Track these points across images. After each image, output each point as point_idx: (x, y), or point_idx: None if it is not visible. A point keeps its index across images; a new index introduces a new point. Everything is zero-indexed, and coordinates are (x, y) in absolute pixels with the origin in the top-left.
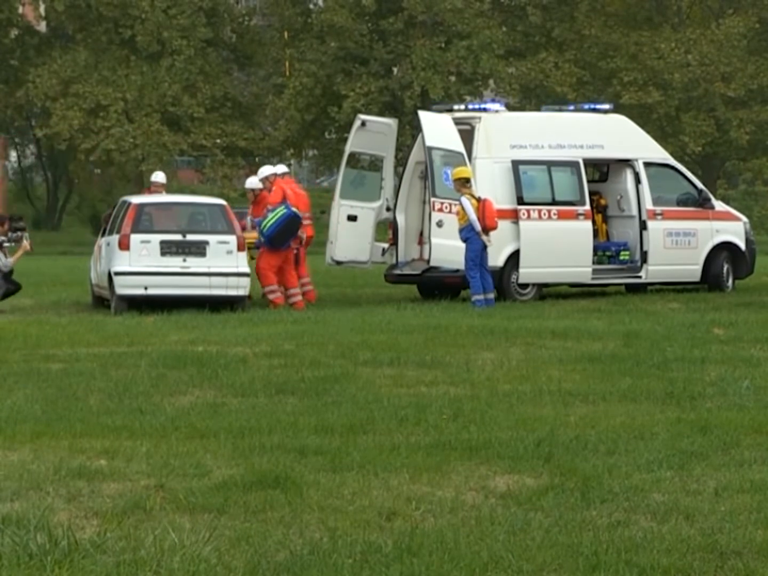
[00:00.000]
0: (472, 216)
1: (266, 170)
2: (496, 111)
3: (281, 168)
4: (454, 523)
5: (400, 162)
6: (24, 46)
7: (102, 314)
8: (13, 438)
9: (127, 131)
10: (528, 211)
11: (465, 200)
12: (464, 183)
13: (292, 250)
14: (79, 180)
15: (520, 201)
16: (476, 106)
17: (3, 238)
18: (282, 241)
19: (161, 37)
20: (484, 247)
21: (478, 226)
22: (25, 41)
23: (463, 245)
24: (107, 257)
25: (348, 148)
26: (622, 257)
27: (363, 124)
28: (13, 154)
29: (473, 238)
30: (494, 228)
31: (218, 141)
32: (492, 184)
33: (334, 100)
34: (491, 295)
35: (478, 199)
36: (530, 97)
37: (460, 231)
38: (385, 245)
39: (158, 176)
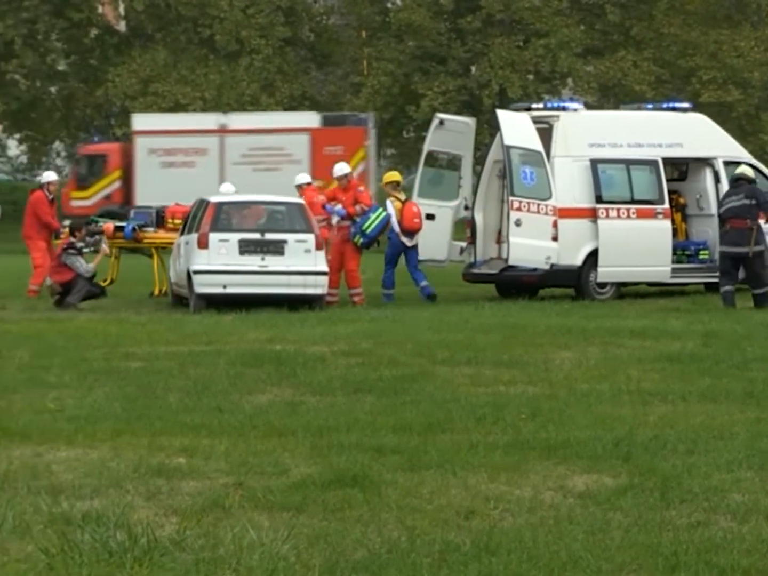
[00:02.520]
0: (392, 219)
1: (341, 168)
2: (575, 110)
3: (305, 177)
4: (533, 523)
5: (479, 161)
6: (103, 46)
7: (181, 313)
8: (93, 436)
9: None
10: (607, 209)
11: (389, 203)
12: (394, 186)
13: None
14: None
15: (599, 200)
16: (555, 105)
17: (81, 244)
18: (374, 242)
19: (240, 37)
20: (409, 247)
21: (396, 228)
22: (105, 41)
23: (542, 244)
24: (186, 256)
25: (426, 147)
26: (701, 256)
27: (441, 122)
28: None
29: (394, 238)
30: (414, 229)
31: None
32: (570, 182)
33: (412, 99)
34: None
35: (404, 202)
36: (609, 95)
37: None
38: (463, 244)
39: None
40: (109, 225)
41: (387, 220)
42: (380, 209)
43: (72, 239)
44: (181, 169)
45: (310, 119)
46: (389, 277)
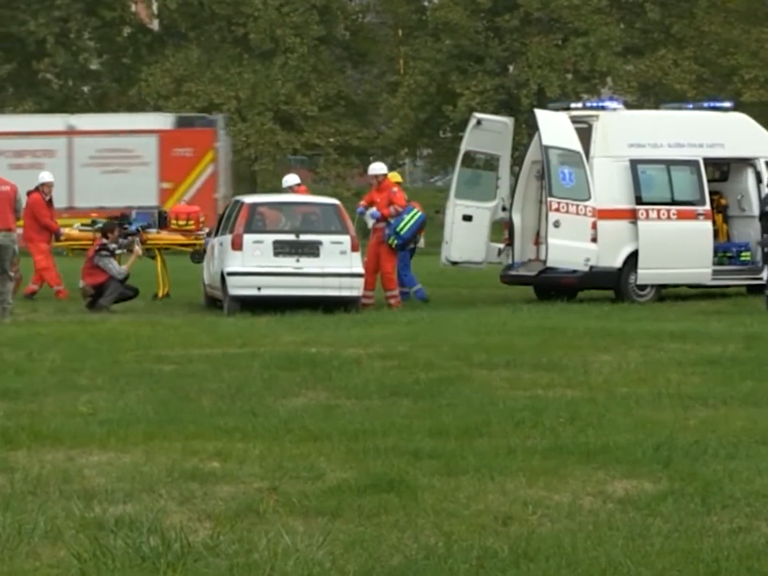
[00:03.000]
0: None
1: (378, 167)
2: (614, 109)
3: (294, 179)
4: (572, 528)
5: (516, 161)
6: (136, 45)
7: (214, 315)
8: (125, 439)
9: (239, 130)
10: (647, 211)
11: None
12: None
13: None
14: None
15: (639, 201)
16: (594, 104)
17: (114, 245)
18: (410, 243)
19: (274, 35)
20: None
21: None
22: (138, 39)
23: (581, 245)
24: (220, 257)
25: (463, 147)
26: (742, 258)
27: (478, 122)
28: None
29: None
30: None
31: (331, 140)
32: (610, 183)
33: (449, 98)
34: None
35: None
36: (649, 95)
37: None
38: (501, 245)
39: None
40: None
41: (422, 221)
42: (414, 210)
43: (104, 241)
44: (29, 171)
45: (160, 121)
46: (407, 275)
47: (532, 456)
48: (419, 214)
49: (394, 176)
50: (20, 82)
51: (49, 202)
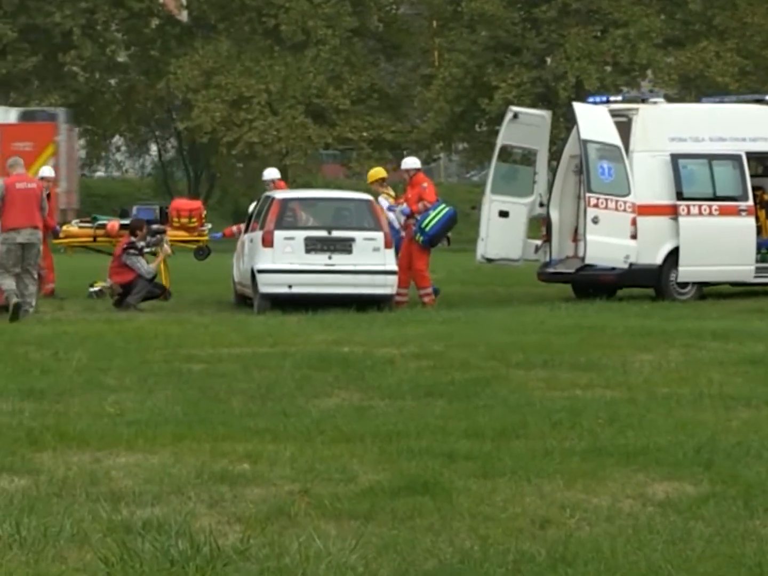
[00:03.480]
0: (391, 216)
1: (410, 162)
2: (655, 102)
3: (273, 173)
4: (611, 532)
5: (554, 156)
6: (165, 37)
7: (245, 313)
8: (153, 440)
9: (270, 124)
10: (688, 206)
11: (382, 200)
12: (381, 183)
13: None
14: (221, 174)
15: (680, 196)
16: (633, 97)
17: (142, 243)
18: (440, 239)
19: (306, 27)
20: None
21: (396, 224)
22: (166, 31)
23: (620, 242)
24: (250, 254)
25: (499, 141)
26: None
27: (515, 116)
28: (154, 147)
29: (395, 235)
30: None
31: (364, 134)
32: (650, 178)
33: (485, 91)
34: None
35: (396, 197)
36: (690, 87)
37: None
38: (538, 242)
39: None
40: (114, 223)
41: (449, 216)
42: (442, 206)
43: (132, 239)
44: None
45: (2, 115)
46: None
47: (570, 458)
48: (447, 209)
49: (379, 172)
50: (46, 75)
51: (48, 198)
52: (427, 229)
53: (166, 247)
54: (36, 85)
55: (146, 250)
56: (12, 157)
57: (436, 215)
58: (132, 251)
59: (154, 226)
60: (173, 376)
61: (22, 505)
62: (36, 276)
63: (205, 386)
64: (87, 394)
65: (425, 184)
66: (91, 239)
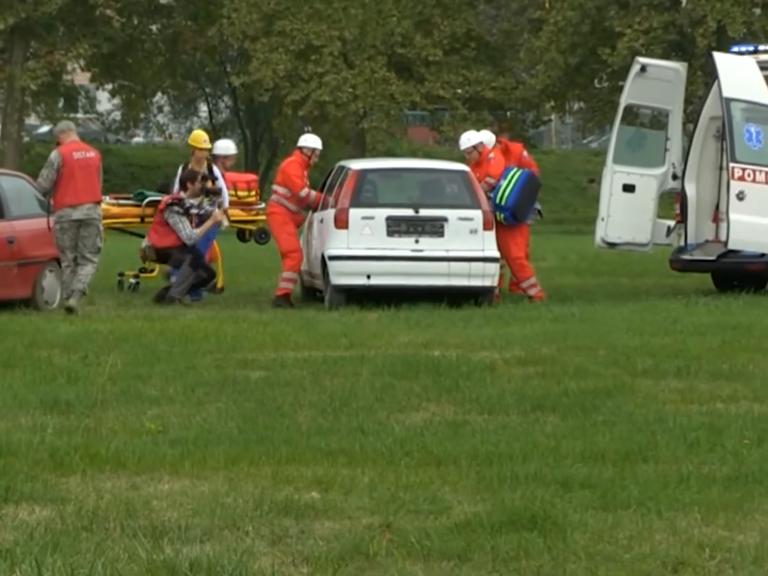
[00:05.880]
0: None
1: (466, 140)
2: None
3: (227, 146)
4: None
5: (690, 117)
6: None
7: (313, 309)
8: (203, 463)
9: (345, 79)
10: None
11: None
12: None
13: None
14: (285, 140)
15: None
16: None
17: (192, 201)
18: (526, 211)
19: None
20: None
21: None
22: None
23: None
24: (320, 238)
25: (624, 101)
26: None
27: (643, 69)
28: (203, 108)
29: None
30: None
31: (459, 91)
32: None
33: (606, 39)
34: None
35: None
36: None
37: None
38: (671, 223)
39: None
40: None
41: (525, 179)
42: (512, 170)
43: (182, 194)
44: None
45: None
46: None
47: (710, 486)
48: (519, 172)
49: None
50: (74, 20)
51: None
52: (503, 202)
53: (218, 211)
54: (62, 32)
55: (194, 211)
56: (63, 120)
57: (508, 184)
58: (176, 208)
59: (212, 185)
60: (227, 386)
61: (44, 540)
62: (95, 260)
63: (265, 398)
64: (122, 407)
65: (491, 155)
66: (138, 220)
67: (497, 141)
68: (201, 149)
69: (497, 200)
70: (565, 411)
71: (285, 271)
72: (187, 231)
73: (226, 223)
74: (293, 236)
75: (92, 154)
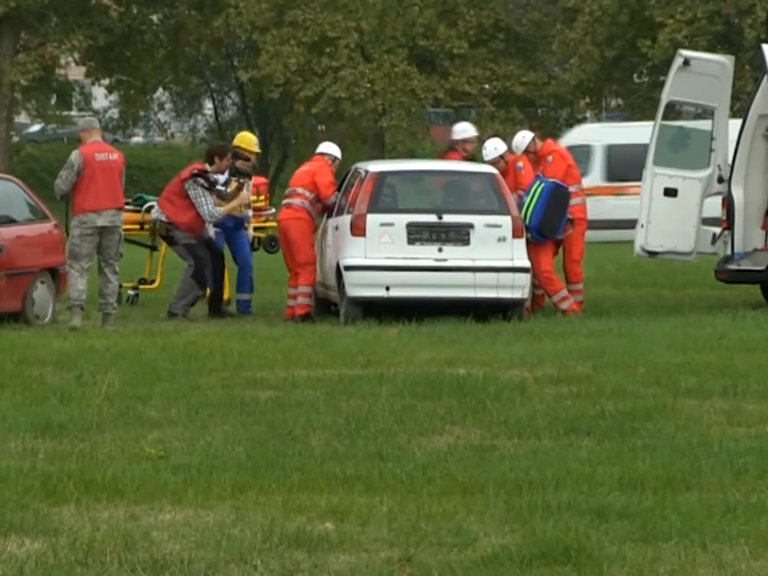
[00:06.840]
0: None
1: (491, 149)
2: None
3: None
4: None
5: (737, 115)
6: None
7: (328, 323)
8: (208, 491)
9: (362, 73)
10: None
11: None
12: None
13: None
14: (297, 140)
15: None
16: None
17: (218, 177)
18: (555, 226)
19: None
20: None
21: None
22: None
23: None
24: (335, 246)
25: (665, 97)
26: None
27: (686, 63)
28: (209, 104)
29: None
30: None
31: (486, 87)
32: None
33: (646, 30)
34: None
35: None
36: None
37: None
38: (717, 230)
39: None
40: None
41: (548, 193)
42: (535, 184)
43: (207, 167)
44: None
45: None
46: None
47: (759, 517)
48: (541, 186)
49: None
50: (67, 9)
51: None
52: (528, 221)
53: (245, 193)
54: (54, 22)
55: (220, 188)
56: (85, 117)
57: (530, 200)
58: (201, 180)
59: (241, 164)
60: (234, 407)
61: None
62: (118, 269)
63: (275, 420)
64: (120, 430)
65: (520, 164)
66: (137, 227)
67: (540, 140)
68: (252, 152)
69: (523, 217)
70: (601, 434)
71: (302, 286)
72: (209, 207)
73: (247, 200)
74: (313, 247)
75: (115, 156)
